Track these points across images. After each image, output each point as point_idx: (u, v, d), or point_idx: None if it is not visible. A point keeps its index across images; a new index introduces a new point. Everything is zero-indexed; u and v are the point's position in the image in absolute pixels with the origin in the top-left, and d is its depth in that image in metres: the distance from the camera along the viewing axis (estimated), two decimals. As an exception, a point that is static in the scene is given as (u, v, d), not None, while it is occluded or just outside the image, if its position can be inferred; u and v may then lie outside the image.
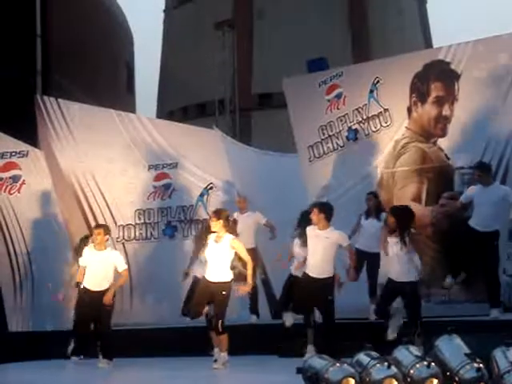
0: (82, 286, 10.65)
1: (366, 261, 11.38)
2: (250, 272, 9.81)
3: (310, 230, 10.15)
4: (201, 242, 10.22)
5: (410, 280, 9.81)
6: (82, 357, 10.83)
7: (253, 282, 10.10)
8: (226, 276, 9.80)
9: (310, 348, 10.02)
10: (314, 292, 9.99)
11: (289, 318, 10.53)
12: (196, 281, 10.63)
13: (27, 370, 10.67)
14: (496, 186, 10.80)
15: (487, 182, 10.71)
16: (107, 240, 10.81)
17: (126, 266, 10.74)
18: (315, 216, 10.08)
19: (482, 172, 10.74)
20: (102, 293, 10.47)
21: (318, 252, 10.03)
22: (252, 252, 11.48)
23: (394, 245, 9.87)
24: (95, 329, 10.65)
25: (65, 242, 13.32)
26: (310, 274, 10.09)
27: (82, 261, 10.74)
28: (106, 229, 10.95)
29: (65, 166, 13.63)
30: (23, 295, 13.40)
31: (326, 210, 10.14)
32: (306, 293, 10.08)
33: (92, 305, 10.47)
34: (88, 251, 10.76)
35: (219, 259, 9.76)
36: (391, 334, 9.86)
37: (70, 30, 20.64)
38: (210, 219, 10.01)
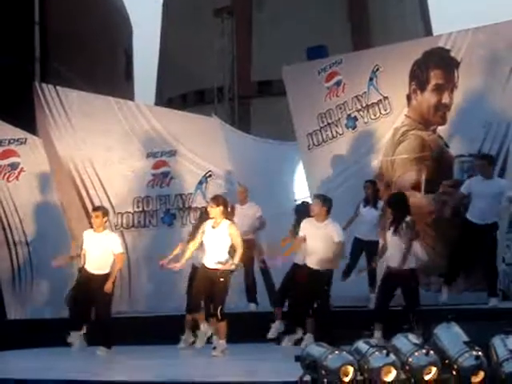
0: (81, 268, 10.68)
1: (364, 249, 11.38)
2: (237, 256, 9.72)
3: (308, 223, 10.14)
4: (197, 230, 10.19)
5: (409, 267, 9.81)
6: (82, 332, 10.77)
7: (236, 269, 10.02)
8: (226, 263, 9.78)
9: (309, 336, 10.02)
10: (312, 283, 10.01)
11: (273, 331, 10.47)
12: (194, 270, 10.61)
13: (25, 357, 10.70)
14: (496, 180, 10.75)
15: (488, 175, 10.67)
16: (106, 222, 10.80)
17: (121, 250, 10.72)
18: (318, 208, 10.08)
19: (487, 163, 10.69)
20: (101, 276, 10.48)
21: (318, 243, 10.02)
22: (251, 242, 11.49)
23: (391, 233, 9.88)
24: (95, 316, 10.65)
25: (63, 230, 13.30)
26: (310, 266, 10.10)
27: (82, 244, 10.74)
28: (105, 211, 10.95)
29: (63, 153, 13.61)
30: (22, 283, 13.41)
31: (328, 202, 10.19)
32: (305, 284, 10.09)
33: (90, 287, 10.49)
34: (87, 234, 10.77)
35: (217, 245, 9.75)
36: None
37: (68, 18, 20.59)
38: (208, 206, 9.98)
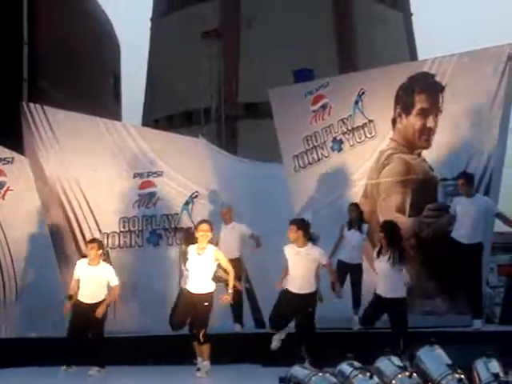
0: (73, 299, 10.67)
1: (348, 272, 11.40)
2: (231, 282, 9.85)
3: (289, 248, 10.12)
4: (185, 254, 10.22)
5: (399, 296, 9.85)
6: (71, 367, 10.76)
7: (234, 290, 10.09)
8: (209, 287, 9.85)
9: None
10: (294, 307, 10.02)
11: (275, 342, 10.44)
12: (182, 291, 10.64)
13: (15, 376, 10.63)
14: (478, 198, 10.89)
15: (469, 193, 10.80)
16: (101, 255, 10.85)
17: (118, 282, 10.78)
18: (293, 233, 10.01)
19: (466, 182, 10.82)
20: (95, 305, 10.55)
21: (299, 268, 10.02)
22: (236, 262, 11.50)
23: (382, 261, 9.89)
24: (87, 337, 10.65)
25: (49, 250, 13.29)
26: (291, 290, 10.10)
27: (75, 274, 10.77)
28: (100, 244, 11.02)
29: (50, 173, 13.62)
30: (7, 302, 13.37)
31: (305, 226, 10.11)
32: (286, 308, 10.10)
33: (85, 317, 10.52)
34: (81, 265, 10.80)
35: (202, 271, 9.80)
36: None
37: (57, 38, 20.64)
38: (200, 232, 9.91)
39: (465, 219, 10.71)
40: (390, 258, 9.84)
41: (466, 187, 10.82)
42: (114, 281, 10.72)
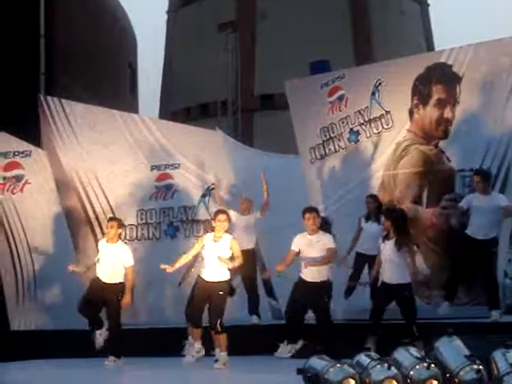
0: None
1: (367, 263, 11.41)
2: (235, 263, 9.81)
3: (301, 238, 10.19)
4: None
5: (404, 282, 9.86)
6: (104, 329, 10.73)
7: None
8: (224, 275, 9.88)
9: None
10: (308, 296, 10.07)
11: (285, 354, 10.39)
12: (196, 283, 10.66)
13: (29, 368, 10.71)
14: (493, 196, 10.78)
15: (485, 191, 10.72)
16: (120, 234, 10.89)
17: (132, 263, 10.76)
18: (313, 220, 10.12)
19: (482, 179, 10.74)
20: (113, 286, 10.56)
21: (312, 256, 10.07)
22: (251, 252, 11.53)
23: (387, 247, 9.92)
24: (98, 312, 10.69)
25: (67, 242, 13.36)
26: (305, 278, 10.15)
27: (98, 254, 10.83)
28: (120, 222, 11.02)
29: (67, 165, 13.67)
30: (25, 294, 13.45)
31: (319, 214, 10.36)
32: (300, 298, 10.14)
33: (103, 295, 10.54)
34: (101, 244, 10.87)
35: (217, 258, 9.81)
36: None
37: (74, 31, 20.68)
38: (218, 220, 9.96)
39: (478, 216, 10.64)
40: (395, 244, 9.86)
41: (482, 184, 10.73)
42: (129, 261, 10.70)
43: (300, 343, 10.30)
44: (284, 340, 10.39)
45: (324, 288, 10.22)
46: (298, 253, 10.29)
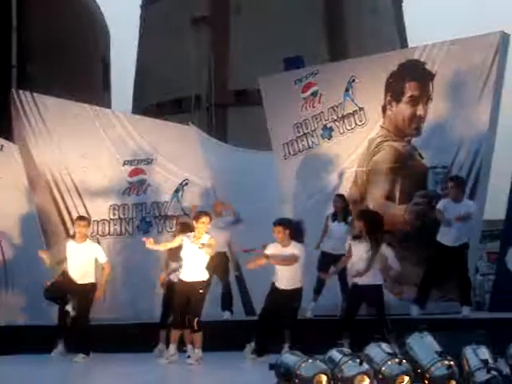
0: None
1: (333, 263, 11.36)
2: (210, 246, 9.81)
3: (273, 248, 10.13)
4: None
5: (375, 283, 9.85)
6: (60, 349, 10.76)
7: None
8: (203, 275, 9.89)
9: (286, 347, 10.04)
10: (281, 302, 10.04)
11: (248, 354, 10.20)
12: (170, 284, 10.60)
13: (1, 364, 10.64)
14: (465, 203, 10.78)
15: (458, 197, 10.74)
16: (88, 233, 10.89)
17: (107, 258, 10.78)
18: (281, 234, 9.99)
19: (456, 185, 10.76)
20: (83, 286, 10.51)
21: (284, 267, 10.04)
22: (222, 256, 11.55)
23: (359, 248, 9.89)
24: (73, 323, 10.65)
25: (39, 237, 13.28)
26: (279, 286, 10.13)
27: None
28: (89, 221, 11.06)
29: (40, 160, 13.60)
30: (-3, 289, 13.36)
31: (290, 226, 10.12)
32: (274, 305, 10.11)
33: (70, 292, 10.49)
34: (70, 244, 10.78)
35: (197, 259, 9.81)
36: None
37: (46, 25, 20.54)
38: (199, 220, 9.87)
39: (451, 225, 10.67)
40: (367, 245, 9.83)
41: (455, 191, 10.75)
42: (103, 258, 10.70)
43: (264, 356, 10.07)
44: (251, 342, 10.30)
45: (296, 295, 10.18)
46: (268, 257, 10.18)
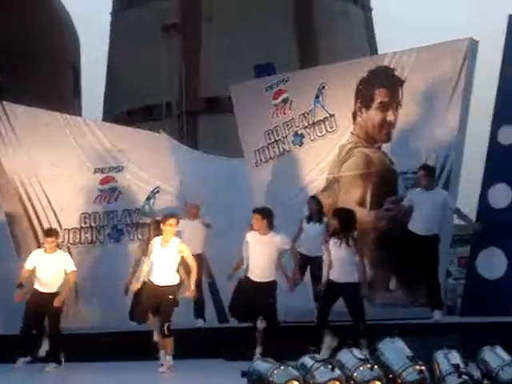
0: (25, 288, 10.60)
1: (309, 265, 11.42)
2: (194, 277, 9.87)
3: (252, 235, 10.17)
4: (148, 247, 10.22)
5: (352, 281, 9.90)
6: (28, 358, 10.70)
7: (196, 285, 10.12)
8: (173, 279, 9.86)
9: (259, 350, 10.04)
10: (254, 295, 10.04)
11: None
12: (144, 285, 10.60)
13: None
14: (437, 191, 10.94)
15: (429, 186, 10.86)
16: (58, 244, 10.89)
17: (74, 268, 10.77)
18: (258, 222, 10.09)
19: (426, 173, 10.87)
20: (52, 295, 10.48)
21: (261, 256, 10.07)
22: (199, 258, 11.49)
23: (335, 246, 9.95)
24: (43, 327, 10.61)
25: (10, 245, 13.18)
26: (252, 278, 10.13)
27: (28, 263, 10.71)
28: (58, 234, 11.12)
29: (9, 168, 13.51)
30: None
31: (269, 215, 10.19)
32: (248, 297, 10.11)
33: (42, 306, 10.49)
34: (38, 254, 10.76)
35: (166, 263, 9.79)
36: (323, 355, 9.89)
37: (16, 33, 20.43)
38: (165, 222, 9.87)
39: (421, 211, 10.75)
40: (342, 242, 9.88)
41: (426, 179, 10.87)
42: (71, 266, 10.72)
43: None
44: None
45: (271, 288, 10.17)
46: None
